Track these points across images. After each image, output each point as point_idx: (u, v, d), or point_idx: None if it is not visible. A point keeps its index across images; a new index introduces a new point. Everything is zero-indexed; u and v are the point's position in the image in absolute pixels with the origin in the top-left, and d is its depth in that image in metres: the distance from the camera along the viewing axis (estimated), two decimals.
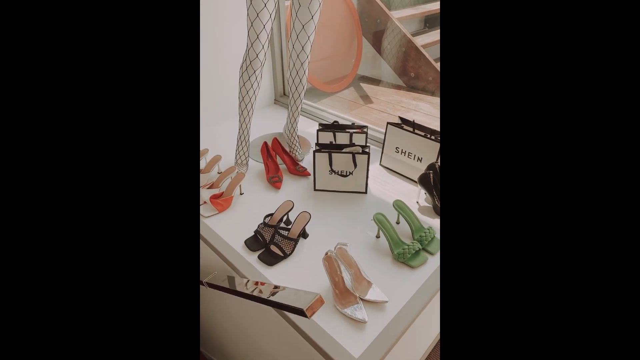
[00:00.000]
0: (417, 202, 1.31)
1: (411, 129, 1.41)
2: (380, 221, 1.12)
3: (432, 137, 1.35)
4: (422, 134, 1.38)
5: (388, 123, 1.46)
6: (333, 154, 1.31)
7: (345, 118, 1.91)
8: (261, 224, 1.16)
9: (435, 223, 1.22)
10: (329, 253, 0.96)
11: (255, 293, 0.72)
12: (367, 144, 1.41)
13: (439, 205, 1.25)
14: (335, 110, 2.02)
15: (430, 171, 1.25)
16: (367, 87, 2.62)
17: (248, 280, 0.99)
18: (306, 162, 1.56)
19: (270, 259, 1.07)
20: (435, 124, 2.16)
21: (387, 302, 0.93)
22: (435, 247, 1.11)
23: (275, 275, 1.04)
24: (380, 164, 1.54)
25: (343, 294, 0.94)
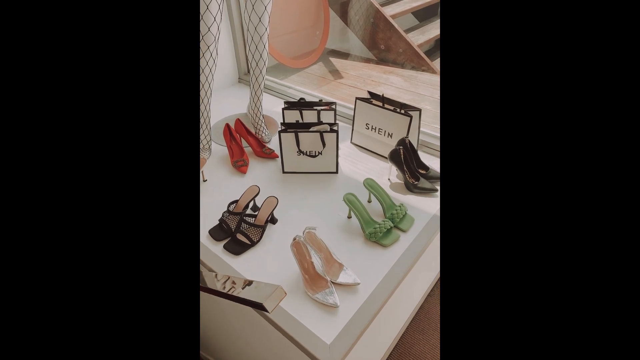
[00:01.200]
0: (389, 179, 1.28)
1: (380, 104, 1.36)
2: (350, 201, 1.08)
3: (402, 111, 1.30)
4: (392, 108, 1.33)
5: (357, 98, 1.39)
6: (300, 134, 1.24)
7: (314, 95, 1.83)
8: (225, 212, 1.09)
9: (406, 199, 1.19)
10: (296, 238, 0.91)
11: (214, 287, 0.66)
12: (336, 122, 1.35)
13: (410, 181, 1.22)
14: (303, 87, 1.93)
15: (401, 147, 1.21)
16: (336, 62, 2.52)
17: (216, 274, 0.93)
18: (273, 143, 1.48)
19: (236, 248, 1.02)
20: (405, 97, 2.12)
21: (359, 284, 0.90)
22: (407, 224, 1.08)
23: (242, 264, 0.98)
24: (351, 142, 1.48)
25: (314, 279, 0.91)
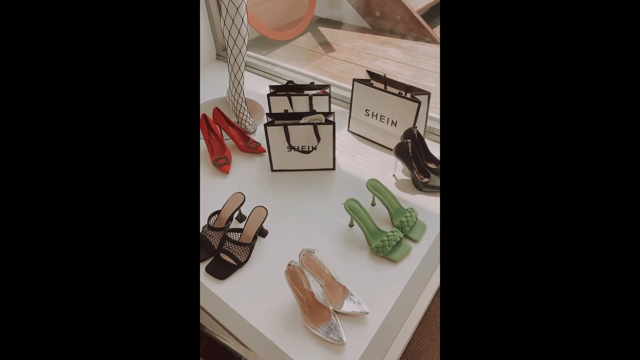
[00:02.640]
0: (394, 175, 1.12)
1: (382, 86, 1.17)
2: (352, 209, 0.92)
3: (408, 95, 1.12)
4: (396, 91, 1.14)
5: (354, 80, 1.20)
6: (290, 127, 1.05)
7: (302, 74, 1.61)
8: (205, 226, 0.92)
9: (415, 200, 1.04)
10: (291, 264, 0.76)
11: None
12: (332, 111, 1.16)
13: (419, 178, 1.06)
14: (290, 63, 1.70)
15: (408, 140, 1.04)
16: (326, 32, 2.26)
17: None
18: (259, 134, 1.29)
19: (220, 270, 0.86)
20: (406, 74, 1.91)
21: (367, 313, 0.77)
22: (419, 232, 0.94)
23: (227, 290, 0.83)
24: (348, 130, 1.30)
25: (314, 310, 0.76)
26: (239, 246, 0.88)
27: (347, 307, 0.77)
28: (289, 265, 0.76)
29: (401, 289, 0.82)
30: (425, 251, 0.90)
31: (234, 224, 0.98)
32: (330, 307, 0.76)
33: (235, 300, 0.81)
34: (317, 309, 0.76)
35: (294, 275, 0.76)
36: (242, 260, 0.87)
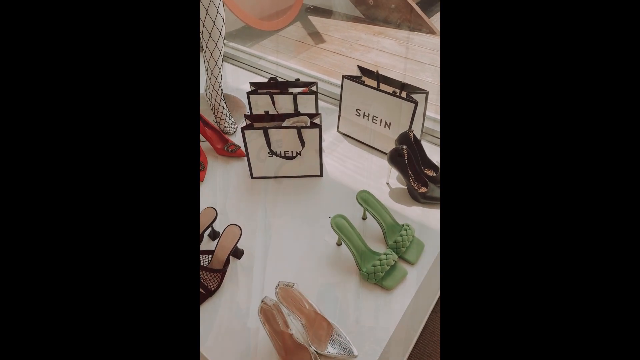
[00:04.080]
0: (388, 184, 1.00)
1: (374, 83, 1.04)
2: (340, 227, 0.81)
3: (403, 94, 0.99)
4: (390, 89, 1.02)
5: (344, 77, 1.07)
6: (270, 131, 0.93)
7: (290, 67, 1.48)
8: None
9: (412, 213, 0.93)
10: (265, 302, 0.64)
11: None
12: (319, 112, 1.03)
13: (415, 187, 0.94)
14: (277, 55, 1.56)
15: (403, 146, 0.92)
16: (316, 22, 2.10)
17: None
18: (239, 136, 1.16)
19: None
20: (401, 67, 1.78)
21: (356, 357, 0.65)
22: (415, 253, 0.83)
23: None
24: (337, 131, 1.18)
25: (293, 355, 0.65)
26: (208, 272, 0.76)
27: (332, 349, 0.66)
28: (262, 302, 0.64)
29: (395, 324, 0.71)
30: (423, 276, 0.79)
31: (206, 242, 0.86)
32: (312, 349, 0.65)
33: (201, 339, 0.70)
34: (296, 352, 0.65)
35: (268, 316, 0.65)
36: (212, 289, 0.75)
